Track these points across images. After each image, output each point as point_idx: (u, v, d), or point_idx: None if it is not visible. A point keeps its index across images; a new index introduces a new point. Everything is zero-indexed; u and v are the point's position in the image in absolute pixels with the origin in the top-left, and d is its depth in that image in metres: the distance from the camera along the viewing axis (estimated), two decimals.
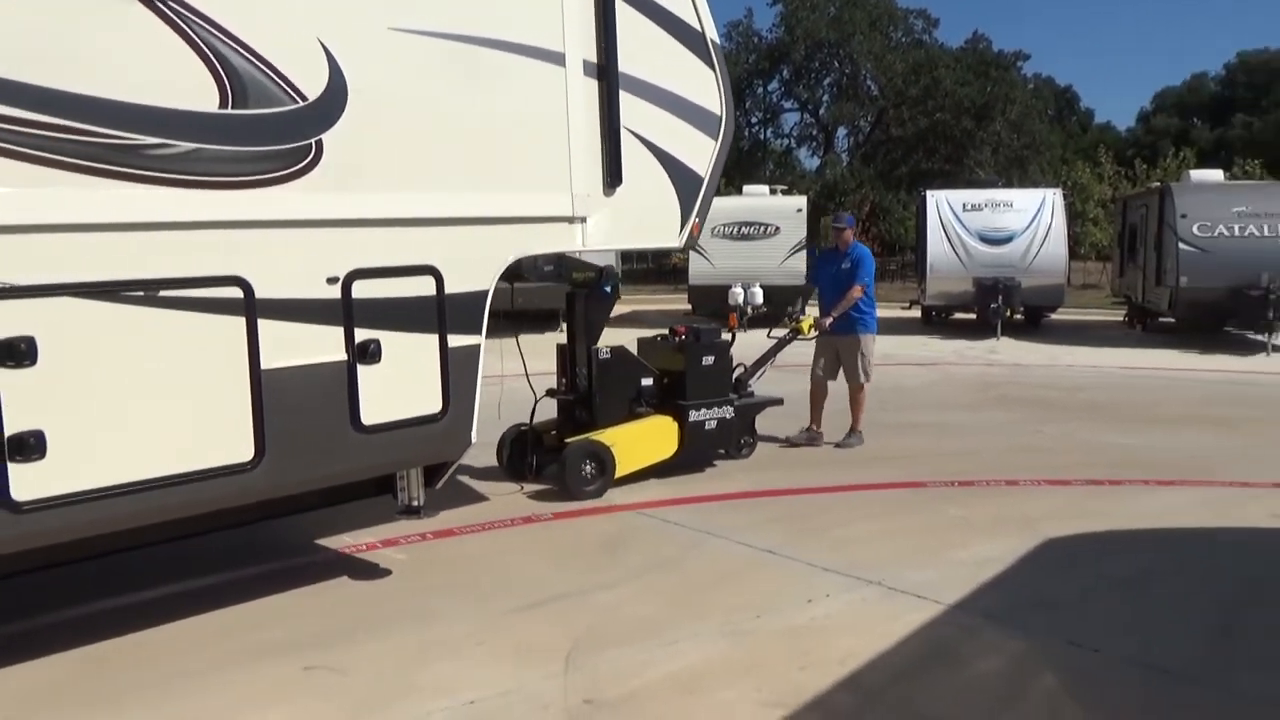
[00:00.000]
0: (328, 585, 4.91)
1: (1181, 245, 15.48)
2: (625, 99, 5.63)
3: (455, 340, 4.81)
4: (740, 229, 19.46)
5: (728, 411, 7.15)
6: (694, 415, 6.96)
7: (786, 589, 4.81)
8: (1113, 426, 9.06)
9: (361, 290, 4.46)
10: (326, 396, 4.40)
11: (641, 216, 5.87)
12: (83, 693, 3.84)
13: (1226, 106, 57.94)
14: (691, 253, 18.75)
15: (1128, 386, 11.81)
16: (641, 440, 6.76)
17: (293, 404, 4.25)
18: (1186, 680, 3.85)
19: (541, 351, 6.86)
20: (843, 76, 40.86)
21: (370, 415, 4.50)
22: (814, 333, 8.06)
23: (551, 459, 6.75)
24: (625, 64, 5.60)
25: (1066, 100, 60.48)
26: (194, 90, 3.94)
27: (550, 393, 6.98)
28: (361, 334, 4.46)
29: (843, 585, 4.83)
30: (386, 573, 5.10)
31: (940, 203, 18.34)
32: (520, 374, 6.58)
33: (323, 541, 5.54)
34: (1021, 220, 17.94)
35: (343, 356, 4.43)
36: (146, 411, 3.87)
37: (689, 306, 20.48)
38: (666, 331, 7.38)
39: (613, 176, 5.60)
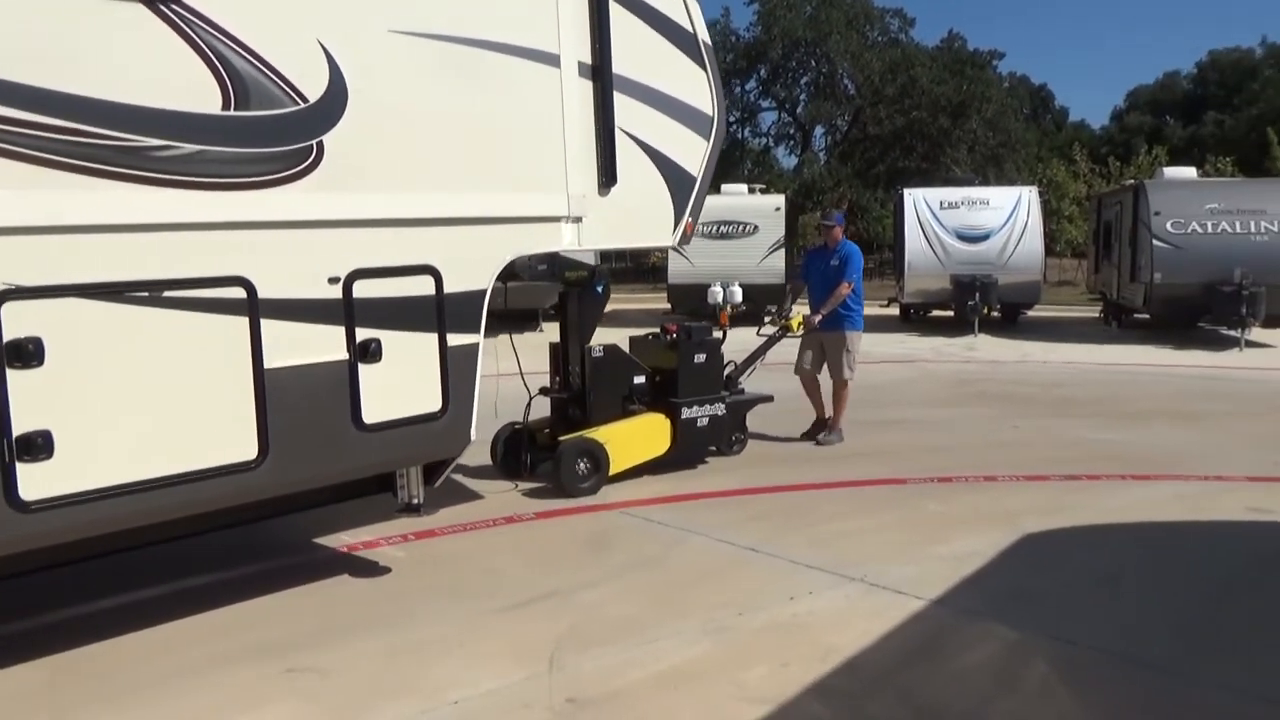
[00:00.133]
0: (308, 587, 4.89)
1: (1155, 242, 15.63)
2: (619, 100, 5.69)
3: (454, 339, 4.86)
4: (719, 228, 19.49)
5: (719, 409, 7.21)
6: (686, 413, 7.01)
7: (769, 586, 4.83)
8: (1089, 422, 9.14)
9: (362, 290, 4.51)
10: (328, 395, 4.44)
11: (636, 216, 5.94)
12: (58, 699, 3.80)
13: (1198, 104, 58.53)
14: (670, 252, 18.76)
15: (1104, 382, 11.92)
16: (635, 438, 6.81)
17: (295, 403, 4.28)
18: (1163, 672, 3.89)
19: (529, 351, 6.85)
20: (820, 75, 40.96)
21: (371, 414, 4.54)
22: (803, 330, 8.12)
23: (545, 457, 6.78)
24: (619, 65, 5.65)
25: (1041, 98, 60.89)
26: (197, 92, 3.97)
27: (543, 391, 7.01)
28: (362, 333, 4.51)
29: (825, 582, 4.85)
30: (367, 574, 5.09)
31: (917, 201, 18.44)
32: (514, 373, 6.58)
33: (301, 544, 5.51)
34: (998, 218, 18.07)
35: (344, 356, 4.47)
36: (151, 411, 3.90)
37: (669, 305, 20.50)
38: (658, 329, 7.42)
39: (608, 176, 5.66)
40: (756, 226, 19.49)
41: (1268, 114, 46.11)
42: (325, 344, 4.41)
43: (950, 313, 18.10)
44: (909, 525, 5.83)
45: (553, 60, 5.34)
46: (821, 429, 8.20)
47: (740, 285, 18.42)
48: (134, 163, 3.80)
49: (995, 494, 6.55)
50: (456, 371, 4.86)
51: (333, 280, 4.42)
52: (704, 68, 6.26)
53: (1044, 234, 19.34)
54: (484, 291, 5.04)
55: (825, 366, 8.19)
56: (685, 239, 6.34)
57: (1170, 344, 15.45)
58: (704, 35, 6.26)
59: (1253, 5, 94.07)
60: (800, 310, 8.33)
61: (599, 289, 6.76)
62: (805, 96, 41.90)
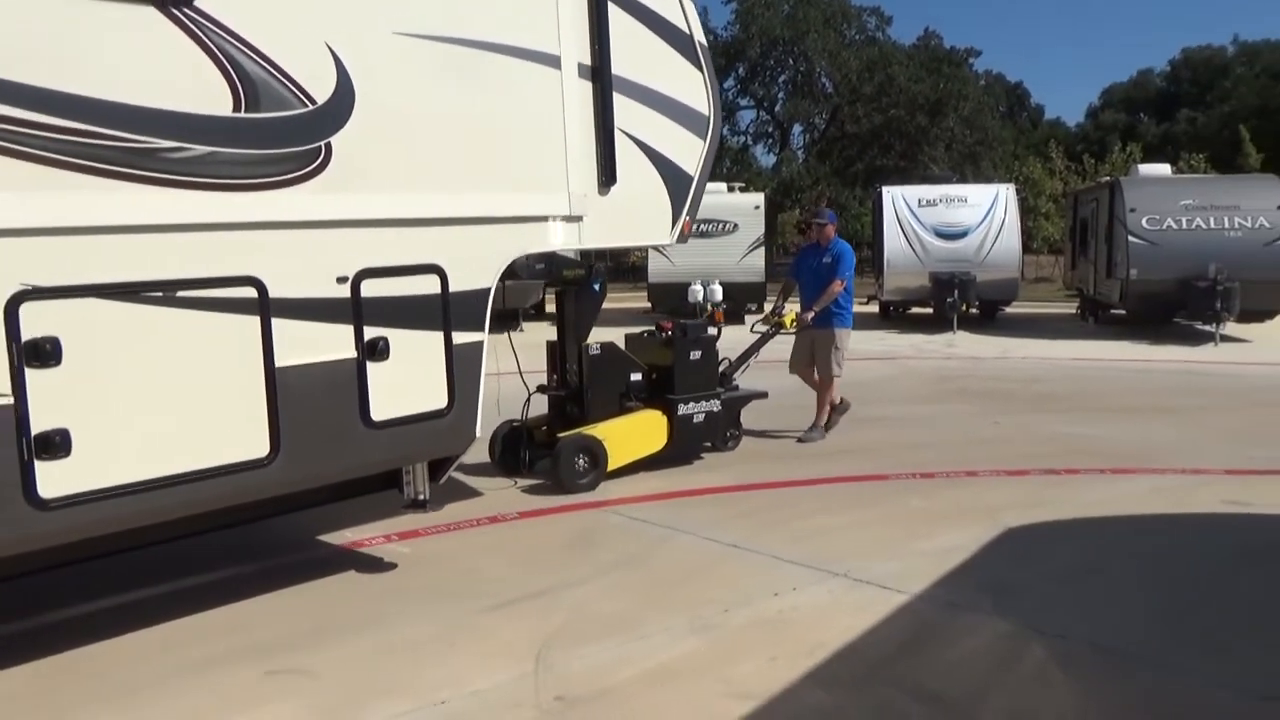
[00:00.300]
0: (296, 589, 4.87)
1: (1131, 238, 15.77)
2: (618, 100, 5.74)
3: (459, 337, 4.92)
4: (699, 226, 19.44)
5: (715, 405, 7.28)
6: (682, 409, 7.06)
7: (754, 583, 4.85)
8: (1068, 417, 9.22)
9: (370, 289, 4.56)
10: (337, 393, 4.49)
11: (635, 215, 6.01)
12: (54, 700, 3.79)
13: (1172, 102, 59.13)
14: (650, 251, 18.78)
15: (1081, 377, 12.02)
16: (632, 434, 6.86)
17: (305, 401, 4.33)
18: (1147, 665, 3.92)
19: (519, 350, 6.85)
20: (798, 74, 41.09)
21: (379, 411, 4.59)
22: (796, 327, 8.19)
23: (543, 454, 6.82)
24: (617, 66, 5.71)
25: (1017, 96, 61.34)
26: (209, 94, 4.01)
27: (541, 389, 7.05)
28: (370, 332, 4.56)
29: (809, 578, 4.88)
30: (354, 575, 5.07)
31: (896, 199, 18.54)
32: (513, 371, 6.59)
33: (288, 545, 5.49)
34: (975, 215, 18.19)
35: (352, 354, 4.52)
36: (166, 409, 3.94)
37: (649, 305, 20.51)
38: (654, 327, 7.48)
39: (607, 176, 5.72)
40: (736, 225, 19.52)
41: (1240, 111, 46.68)
42: (334, 342, 4.47)
43: (929, 310, 18.21)
44: (891, 521, 5.87)
45: (553, 61, 5.39)
46: (837, 411, 8.29)
47: (720, 284, 18.56)
48: (148, 164, 3.84)
49: (976, 489, 6.60)
50: (462, 369, 4.92)
51: (341, 280, 4.48)
52: (700, 68, 6.32)
53: (1021, 231, 19.48)
54: (488, 290, 5.10)
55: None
56: (683, 237, 6.41)
57: (1147, 339, 15.60)
58: (700, 36, 6.33)
59: (1225, 4, 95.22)
60: (792, 307, 8.40)
61: (596, 287, 6.81)
62: (783, 95, 42.06)
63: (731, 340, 8.01)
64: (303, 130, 4.30)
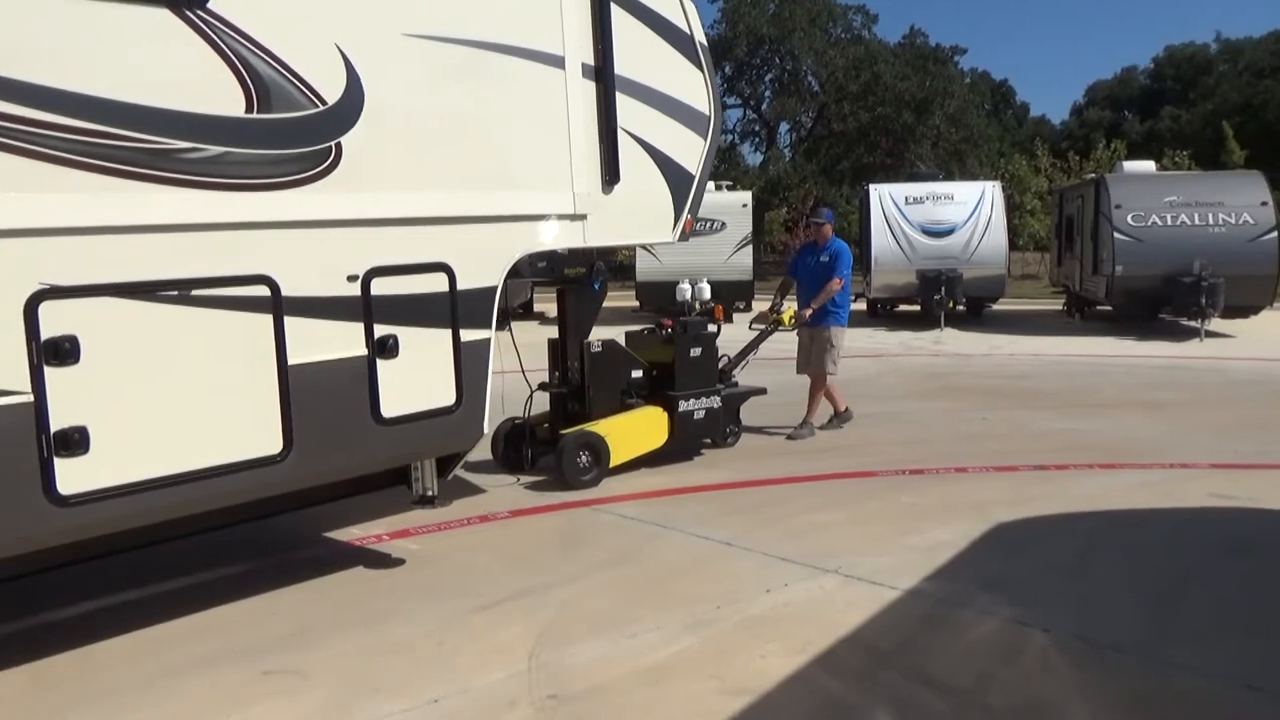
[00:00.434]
0: (282, 589, 4.85)
1: (1117, 235, 15.85)
2: (621, 100, 5.80)
3: (467, 335, 4.98)
4: None
5: (715, 401, 7.34)
6: (683, 405, 7.13)
7: (745, 580, 4.86)
8: (1056, 413, 9.27)
9: (380, 287, 4.63)
10: (349, 390, 4.55)
11: (638, 213, 6.07)
12: (32, 707, 3.76)
13: (1156, 99, 59.39)
14: (638, 249, 18.78)
15: (1068, 374, 12.08)
16: (634, 430, 6.90)
17: (317, 398, 4.38)
18: (1139, 657, 3.94)
19: (520, 347, 6.86)
20: (784, 72, 41.16)
21: (389, 408, 4.66)
22: (795, 324, 8.25)
23: (545, 451, 6.86)
24: (620, 66, 5.77)
25: (1002, 94, 61.57)
26: (222, 96, 4.06)
27: (543, 386, 7.08)
28: (380, 329, 4.62)
29: (801, 574, 4.89)
30: (344, 575, 5.06)
31: (883, 196, 18.58)
32: (515, 369, 6.59)
33: (276, 547, 5.48)
34: (962, 213, 18.24)
35: (363, 351, 4.58)
36: (181, 406, 3.98)
37: (636, 303, 20.51)
38: (654, 324, 7.54)
39: (611, 175, 5.77)
40: (724, 223, 19.54)
41: (1223, 108, 46.95)
42: (345, 340, 4.53)
43: (917, 307, 18.26)
44: (883, 517, 5.89)
45: (557, 62, 5.45)
46: (839, 419, 8.36)
47: (708, 282, 18.57)
48: (163, 165, 3.91)
49: (966, 485, 6.63)
50: (469, 366, 4.99)
51: (351, 278, 4.53)
52: (700, 68, 6.39)
53: (1007, 228, 19.56)
54: (495, 288, 5.16)
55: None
56: (685, 236, 6.47)
57: (1132, 335, 15.69)
58: (700, 36, 6.40)
59: (1207, 2, 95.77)
60: (790, 304, 8.45)
61: (596, 286, 6.85)
62: (769, 93, 42.12)
63: (725, 338, 8.02)
64: (314, 131, 4.35)
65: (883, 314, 19.56)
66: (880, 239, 18.22)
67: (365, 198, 4.56)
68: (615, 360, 7.04)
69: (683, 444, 7.27)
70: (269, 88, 4.18)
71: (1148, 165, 19.27)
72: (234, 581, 4.92)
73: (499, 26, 5.13)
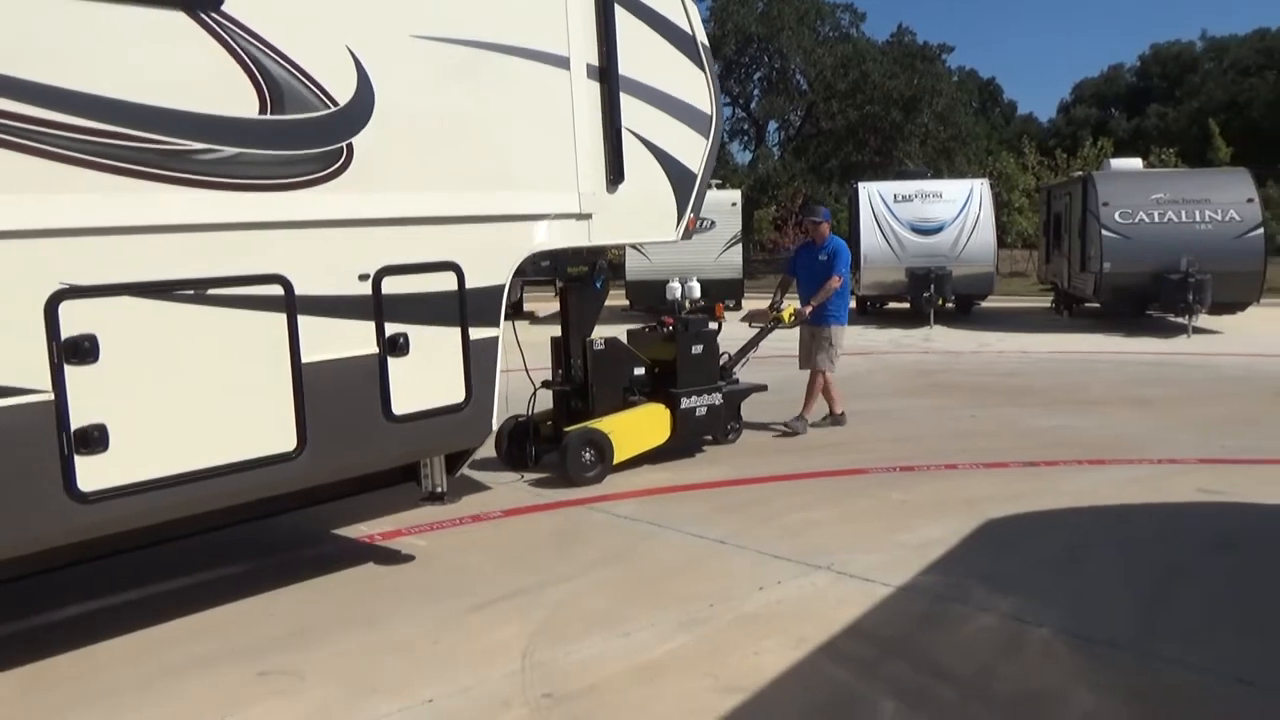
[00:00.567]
0: (277, 590, 4.86)
1: (1105, 232, 15.92)
2: (625, 100, 5.86)
3: (475, 332, 5.03)
4: None
5: (716, 398, 7.41)
6: (685, 402, 7.20)
7: (739, 578, 4.88)
8: (1045, 409, 9.32)
9: (390, 286, 4.69)
10: (360, 388, 4.60)
11: (641, 212, 6.12)
12: (30, 708, 3.76)
13: (1142, 97, 59.72)
14: (628, 248, 18.78)
15: (1057, 370, 12.14)
16: (637, 427, 6.96)
17: (330, 396, 4.44)
18: (1130, 652, 3.97)
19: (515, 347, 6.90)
20: (772, 71, 41.23)
21: (400, 405, 4.72)
22: (795, 322, 8.32)
23: (549, 449, 6.91)
24: (624, 67, 5.83)
25: (990, 92, 61.79)
26: (236, 97, 4.11)
27: (546, 384, 7.13)
28: (391, 328, 4.68)
29: (794, 571, 4.92)
30: (338, 576, 5.07)
31: (872, 194, 18.63)
32: (519, 368, 6.62)
33: (268, 547, 5.48)
34: (951, 210, 18.30)
35: (374, 350, 4.64)
36: (198, 404, 4.04)
37: (626, 302, 20.51)
38: (656, 322, 7.60)
39: (615, 174, 5.83)
40: (713, 222, 19.54)
41: (1209, 106, 47.24)
42: (357, 338, 4.59)
43: (906, 304, 18.31)
44: (874, 514, 5.92)
45: (563, 63, 5.50)
46: (832, 419, 8.44)
47: (698, 280, 18.58)
48: (179, 166, 3.96)
49: (956, 481, 6.67)
50: (478, 364, 5.04)
51: (363, 277, 4.59)
52: (702, 68, 6.46)
53: (995, 226, 19.63)
54: (503, 286, 5.22)
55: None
56: (687, 234, 6.53)
57: (1121, 332, 15.76)
58: (702, 37, 6.47)
59: (1193, 1, 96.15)
60: (790, 302, 8.51)
61: (598, 284, 6.90)
62: (758, 92, 42.20)
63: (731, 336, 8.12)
64: (325, 131, 4.41)
65: (872, 311, 19.61)
66: (869, 237, 18.26)
67: (376, 198, 4.62)
68: (618, 358, 7.11)
69: (685, 440, 7.33)
70: (282, 89, 4.23)
71: (1135, 163, 19.35)
72: (232, 582, 4.93)
73: (505, 28, 5.18)
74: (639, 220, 6.15)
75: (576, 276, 6.78)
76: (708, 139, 6.52)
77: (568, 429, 6.77)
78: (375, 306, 4.62)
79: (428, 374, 4.83)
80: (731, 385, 7.77)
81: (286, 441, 4.30)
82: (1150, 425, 8.46)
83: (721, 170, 37.79)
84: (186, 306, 3.99)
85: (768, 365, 8.78)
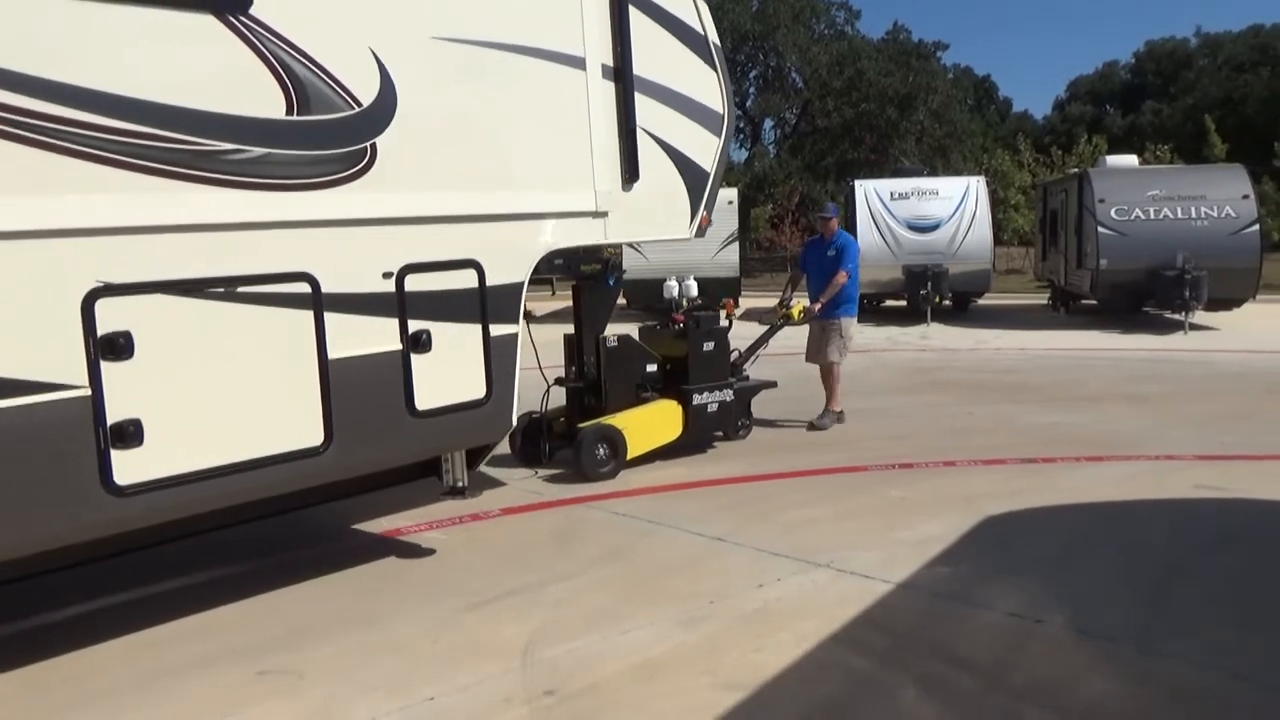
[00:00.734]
0: (277, 590, 4.84)
1: (1101, 229, 15.95)
2: (639, 100, 5.93)
3: (496, 329, 5.10)
4: None
5: (728, 395, 7.47)
6: (697, 399, 7.26)
7: (737, 575, 4.88)
8: (1042, 406, 9.35)
9: (413, 284, 4.77)
10: (385, 383, 4.68)
11: (656, 210, 6.20)
12: (29, 708, 3.76)
13: (1137, 94, 59.79)
14: (625, 247, 18.77)
15: (1054, 367, 12.17)
16: (650, 423, 7.03)
17: (356, 391, 4.51)
18: (1130, 648, 3.99)
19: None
20: (768, 69, 41.20)
21: (423, 401, 4.79)
22: (804, 318, 8.37)
23: (562, 445, 6.97)
24: (638, 67, 5.91)
25: (985, 90, 61.82)
26: (264, 98, 4.18)
27: (559, 381, 7.19)
28: (414, 325, 4.76)
29: (793, 569, 4.92)
30: (337, 575, 5.06)
31: (868, 192, 18.65)
32: (532, 366, 6.61)
33: (269, 546, 5.48)
34: (947, 208, 18.33)
35: (398, 346, 4.72)
36: (229, 399, 4.12)
37: (624, 301, 20.52)
38: (667, 320, 7.66)
39: (630, 173, 5.91)
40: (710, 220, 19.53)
41: (1203, 102, 47.30)
42: (381, 335, 4.66)
43: (903, 302, 18.33)
44: (873, 512, 5.92)
45: (579, 63, 5.58)
46: (831, 418, 8.46)
47: (695, 279, 18.57)
48: (209, 166, 4.04)
49: (955, 478, 6.68)
50: (498, 360, 5.11)
51: (386, 275, 4.67)
52: (714, 68, 6.54)
53: (992, 223, 19.65)
54: (522, 284, 5.29)
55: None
56: (701, 231, 6.59)
57: (1117, 328, 15.79)
58: (714, 37, 6.54)
59: None
60: (800, 299, 8.57)
61: (611, 281, 6.93)
62: (754, 90, 42.12)
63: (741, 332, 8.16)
64: (350, 132, 4.48)
65: (869, 309, 19.59)
66: (866, 234, 18.25)
67: (399, 197, 4.69)
68: (630, 355, 7.16)
69: (697, 437, 7.40)
70: (308, 90, 4.30)
71: (1130, 159, 19.39)
72: (232, 581, 4.93)
73: (522, 29, 5.26)
74: (653, 218, 6.22)
75: (590, 274, 6.82)
76: (720, 137, 6.59)
77: (581, 425, 6.82)
78: (399, 304, 4.70)
79: (450, 370, 4.90)
80: (742, 382, 7.84)
81: (314, 436, 4.38)
82: (1147, 421, 8.48)
83: None
84: (217, 304, 4.07)
85: (778, 362, 8.79)
